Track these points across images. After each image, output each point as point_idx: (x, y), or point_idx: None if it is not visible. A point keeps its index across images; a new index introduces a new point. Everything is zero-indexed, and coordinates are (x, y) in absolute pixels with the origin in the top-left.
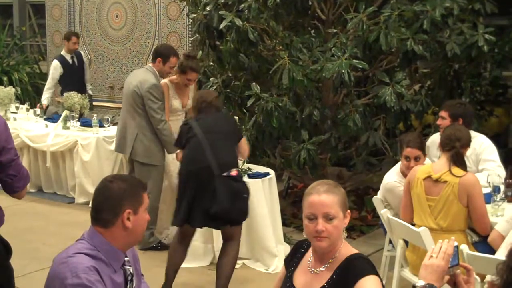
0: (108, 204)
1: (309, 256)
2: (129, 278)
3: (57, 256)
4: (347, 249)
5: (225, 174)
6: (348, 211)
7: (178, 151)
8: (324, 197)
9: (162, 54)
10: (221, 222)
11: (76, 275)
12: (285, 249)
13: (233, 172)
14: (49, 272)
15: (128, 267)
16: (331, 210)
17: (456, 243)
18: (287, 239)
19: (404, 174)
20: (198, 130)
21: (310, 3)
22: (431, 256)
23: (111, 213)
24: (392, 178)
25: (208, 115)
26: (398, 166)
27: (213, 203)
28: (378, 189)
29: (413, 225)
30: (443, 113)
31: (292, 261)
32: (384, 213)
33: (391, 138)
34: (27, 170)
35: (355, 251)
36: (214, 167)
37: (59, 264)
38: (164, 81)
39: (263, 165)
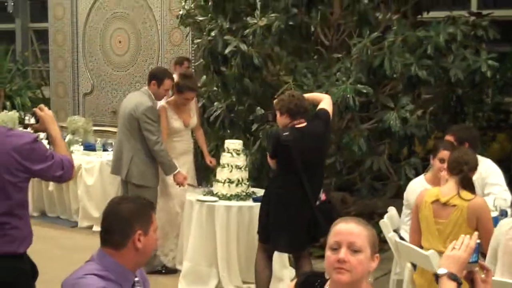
0: (119, 226)
1: None
2: None
3: (66, 278)
4: None
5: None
6: (377, 255)
7: (177, 172)
8: (352, 226)
9: (156, 76)
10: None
11: None
12: (290, 273)
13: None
14: None
15: (138, 287)
16: (357, 240)
17: (478, 240)
18: (291, 263)
19: (434, 180)
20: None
21: (313, 29)
22: (454, 248)
23: (122, 235)
24: (417, 180)
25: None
26: (422, 176)
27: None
28: (383, 213)
29: (421, 248)
30: (449, 137)
31: None
32: (392, 237)
33: (395, 163)
34: (64, 156)
35: None
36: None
37: (70, 286)
38: (161, 103)
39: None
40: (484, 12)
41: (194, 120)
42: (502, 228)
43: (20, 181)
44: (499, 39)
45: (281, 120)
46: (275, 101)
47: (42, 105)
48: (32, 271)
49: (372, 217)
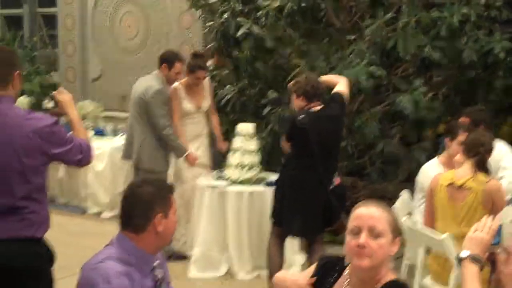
0: (139, 209)
1: (343, 281)
2: (158, 283)
3: (86, 263)
4: (390, 278)
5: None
6: (399, 237)
7: (188, 153)
8: (373, 210)
9: (167, 59)
10: None
11: (108, 281)
12: (301, 259)
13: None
14: (79, 279)
15: (158, 271)
16: (378, 224)
17: (501, 221)
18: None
19: (449, 162)
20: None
21: (325, 11)
22: (476, 230)
23: (143, 218)
24: (431, 163)
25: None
26: (436, 159)
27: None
28: (393, 198)
29: None
30: (463, 119)
31: (322, 285)
32: (405, 221)
33: (406, 146)
34: (82, 140)
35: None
36: None
37: (89, 270)
38: (174, 85)
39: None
40: None
41: (206, 102)
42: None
43: (39, 164)
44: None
45: (297, 102)
46: (291, 83)
47: (61, 88)
48: (49, 256)
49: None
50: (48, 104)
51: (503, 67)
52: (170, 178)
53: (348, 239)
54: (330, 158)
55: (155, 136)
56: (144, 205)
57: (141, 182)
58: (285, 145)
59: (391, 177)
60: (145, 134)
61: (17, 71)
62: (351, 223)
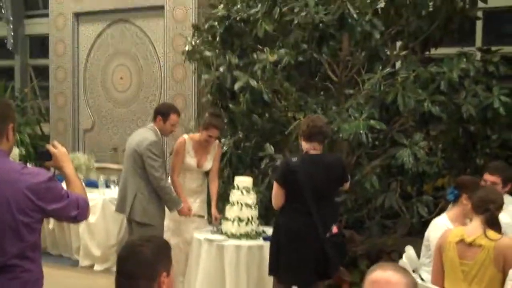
0: (144, 270)
1: None
2: None
3: None
4: None
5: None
6: None
7: (181, 206)
8: (389, 274)
9: (161, 112)
10: None
11: None
12: None
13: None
14: None
15: None
16: None
17: None
18: None
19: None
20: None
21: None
22: None
23: (148, 279)
24: (440, 220)
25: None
26: (445, 215)
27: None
28: (391, 252)
29: None
30: (493, 178)
31: None
32: None
33: (405, 200)
34: (79, 196)
35: None
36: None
37: None
38: (184, 136)
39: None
40: (493, 48)
41: (208, 164)
42: None
43: (33, 221)
44: (508, 75)
45: (303, 145)
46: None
47: (55, 142)
48: None
49: (380, 256)
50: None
51: (502, 122)
52: (166, 230)
53: None
54: (326, 206)
55: (149, 190)
56: (149, 266)
57: (141, 240)
58: (276, 194)
59: (390, 231)
60: (138, 188)
61: (11, 124)
62: (368, 287)
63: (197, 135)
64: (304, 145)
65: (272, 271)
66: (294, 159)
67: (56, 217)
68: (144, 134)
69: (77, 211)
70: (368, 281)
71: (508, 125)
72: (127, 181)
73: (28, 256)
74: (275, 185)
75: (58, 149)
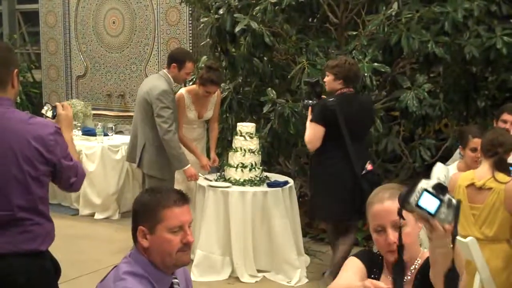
0: (132, 219)
1: (386, 276)
2: None
3: (101, 282)
4: (426, 254)
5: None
6: None
7: (187, 167)
8: (388, 203)
9: (177, 59)
10: None
11: None
12: (306, 260)
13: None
14: None
15: None
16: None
17: None
18: (306, 250)
19: (468, 169)
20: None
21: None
22: None
23: (132, 228)
24: (448, 167)
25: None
26: (455, 165)
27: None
28: None
29: None
30: (509, 117)
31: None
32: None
33: (407, 143)
34: (78, 163)
35: None
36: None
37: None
38: (181, 91)
39: (276, 173)
40: None
41: (210, 113)
42: None
43: (41, 174)
44: (510, 14)
45: (333, 85)
46: (328, 63)
47: (66, 103)
48: (54, 269)
49: None
50: (47, 113)
51: (504, 63)
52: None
53: (375, 237)
54: (361, 144)
55: (158, 141)
56: (132, 216)
57: (146, 190)
58: (314, 136)
59: (392, 176)
60: (147, 138)
61: (16, 70)
62: (372, 222)
63: (194, 87)
64: (337, 85)
65: (312, 213)
66: (331, 99)
67: (58, 175)
68: (155, 82)
69: (75, 178)
70: (371, 214)
71: (507, 67)
72: (137, 130)
73: (37, 209)
74: (313, 125)
75: (66, 111)
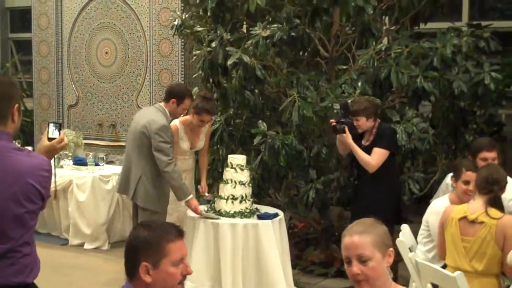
0: (127, 254)
1: None
2: None
3: None
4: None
5: None
6: (391, 249)
7: (190, 197)
8: (355, 238)
9: (177, 95)
10: None
11: None
12: None
13: None
14: None
15: None
16: (364, 251)
17: None
18: (295, 283)
19: (459, 201)
20: None
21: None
22: None
23: (130, 264)
24: (442, 203)
25: None
26: (447, 196)
27: None
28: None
29: (445, 267)
30: (493, 154)
31: None
32: (412, 257)
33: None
34: None
35: None
36: None
37: None
38: (175, 122)
39: (266, 205)
40: (484, 23)
41: (201, 143)
42: None
43: (37, 208)
44: (497, 50)
45: (367, 123)
46: (355, 109)
47: (64, 133)
48: None
49: None
50: (54, 134)
51: (492, 98)
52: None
53: (346, 267)
54: None
55: (154, 173)
56: (130, 252)
57: (141, 224)
58: (383, 160)
59: None
60: (143, 170)
61: (17, 105)
62: (343, 252)
63: (187, 118)
64: (371, 122)
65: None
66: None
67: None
68: (153, 116)
69: (45, 202)
70: (342, 246)
71: (495, 101)
72: (131, 162)
73: (27, 241)
74: (384, 152)
75: (61, 142)
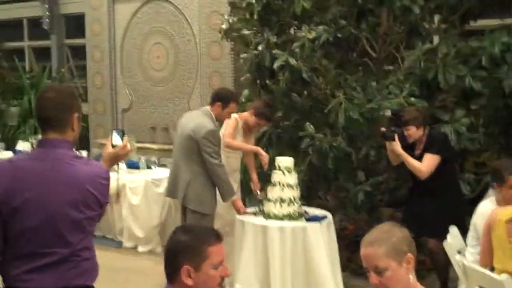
0: (168, 257)
1: None
2: None
3: None
4: None
5: None
6: (409, 254)
7: (235, 198)
8: (368, 250)
9: (222, 98)
10: None
11: None
12: None
13: None
14: None
15: None
16: (379, 263)
17: None
18: (345, 285)
19: (506, 204)
20: None
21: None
22: None
23: (170, 268)
24: (489, 205)
25: None
26: (494, 198)
27: None
28: None
29: (492, 269)
30: None
31: None
32: (460, 260)
33: None
34: None
35: None
36: None
37: None
38: (235, 115)
39: (316, 206)
40: None
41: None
42: None
43: (96, 215)
44: None
45: (418, 132)
46: (406, 118)
47: (127, 140)
48: None
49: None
50: (116, 141)
51: None
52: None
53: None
54: None
55: (204, 177)
56: (171, 256)
57: (179, 228)
58: (434, 166)
59: None
60: (193, 174)
61: (76, 114)
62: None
63: (245, 114)
64: (421, 131)
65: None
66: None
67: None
68: (200, 120)
69: (103, 209)
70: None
71: None
72: (179, 166)
73: (87, 246)
74: (436, 157)
75: (124, 149)
